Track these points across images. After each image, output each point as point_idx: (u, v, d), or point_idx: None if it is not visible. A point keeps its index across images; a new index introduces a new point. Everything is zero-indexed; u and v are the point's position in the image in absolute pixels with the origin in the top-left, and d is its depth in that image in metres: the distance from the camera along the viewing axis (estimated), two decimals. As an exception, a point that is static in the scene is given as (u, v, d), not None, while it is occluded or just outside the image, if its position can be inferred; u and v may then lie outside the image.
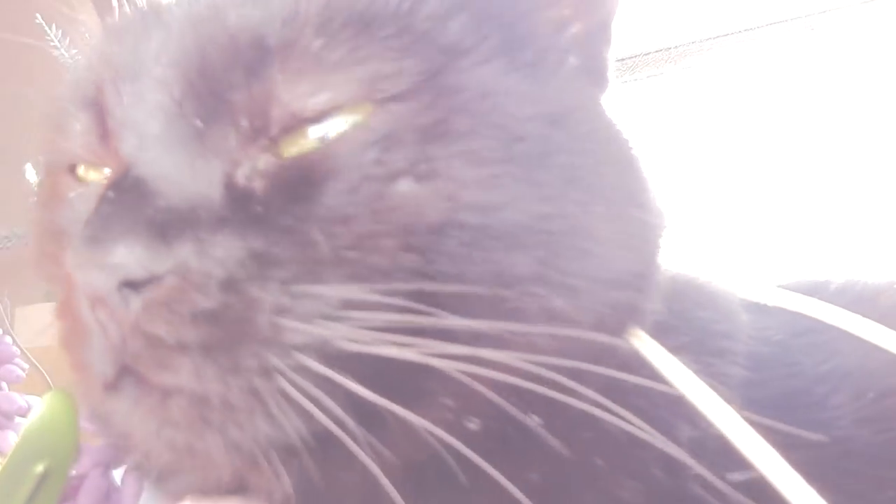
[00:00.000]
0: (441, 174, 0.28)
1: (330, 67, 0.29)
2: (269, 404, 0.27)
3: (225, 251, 0.27)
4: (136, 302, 0.26)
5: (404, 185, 0.28)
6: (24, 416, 0.45)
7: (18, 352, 0.50)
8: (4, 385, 0.46)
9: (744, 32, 1.49)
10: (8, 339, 0.50)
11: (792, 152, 1.42)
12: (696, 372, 0.31)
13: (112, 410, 0.30)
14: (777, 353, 0.37)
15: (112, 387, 0.28)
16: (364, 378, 0.27)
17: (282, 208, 0.28)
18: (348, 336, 0.27)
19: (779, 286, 0.41)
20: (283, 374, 0.27)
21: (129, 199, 0.28)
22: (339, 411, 0.27)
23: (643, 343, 0.33)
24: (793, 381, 0.36)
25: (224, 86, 0.29)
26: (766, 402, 0.33)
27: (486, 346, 0.27)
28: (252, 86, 0.29)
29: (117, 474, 0.37)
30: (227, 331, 0.26)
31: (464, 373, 0.27)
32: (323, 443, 0.28)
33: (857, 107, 1.39)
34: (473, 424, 0.29)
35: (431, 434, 0.27)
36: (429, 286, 0.28)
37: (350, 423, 0.27)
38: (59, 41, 0.93)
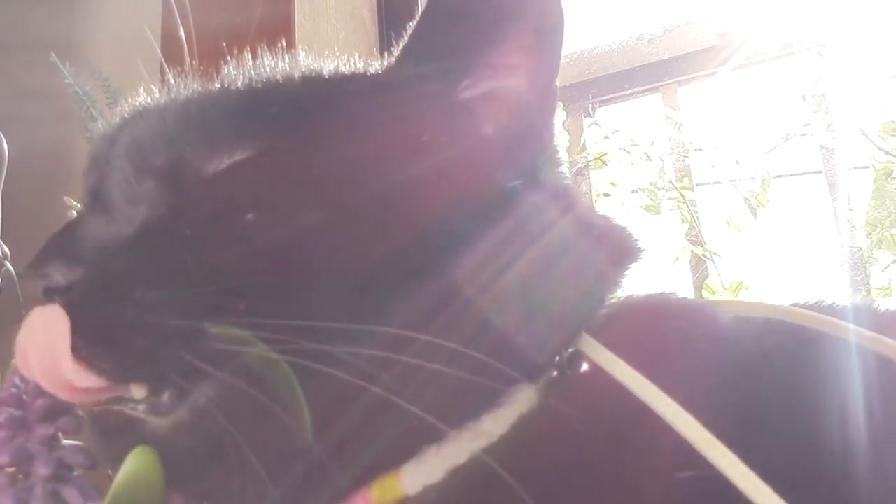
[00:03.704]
0: (280, 210, 0.37)
1: (224, 141, 0.39)
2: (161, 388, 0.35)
3: (116, 271, 0.36)
4: (59, 302, 0.36)
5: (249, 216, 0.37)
6: (86, 469, 0.44)
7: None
8: (60, 437, 0.45)
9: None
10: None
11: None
12: (668, 381, 0.34)
13: None
14: (766, 359, 0.38)
15: None
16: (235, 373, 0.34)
17: (171, 234, 0.38)
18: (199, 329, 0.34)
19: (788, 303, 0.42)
20: (165, 362, 0.34)
21: (68, 234, 0.39)
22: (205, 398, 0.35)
23: (589, 346, 0.38)
24: (781, 386, 0.36)
25: (153, 155, 0.40)
26: (754, 404, 0.35)
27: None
28: (169, 153, 0.40)
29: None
30: (114, 326, 0.34)
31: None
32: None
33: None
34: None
35: None
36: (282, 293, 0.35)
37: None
38: (72, 78, 0.92)
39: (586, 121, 1.62)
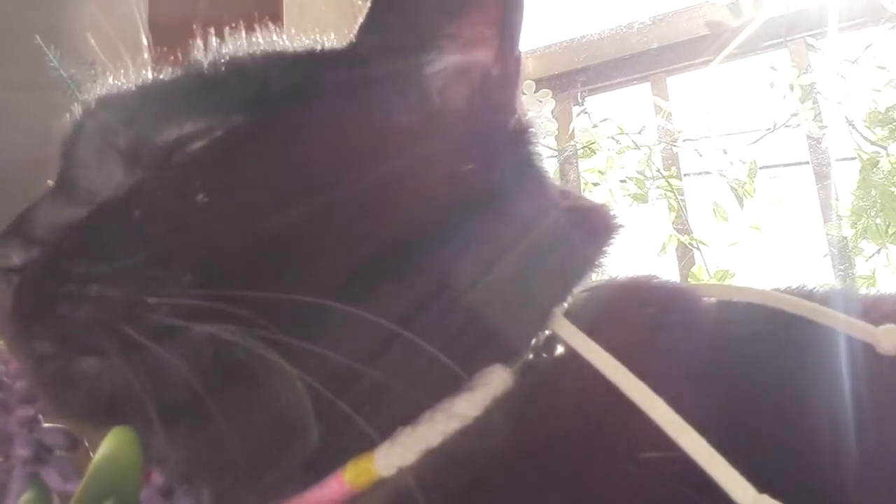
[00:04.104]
0: (227, 186, 0.37)
1: (177, 118, 0.39)
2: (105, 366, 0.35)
3: (66, 249, 0.36)
4: (15, 280, 0.36)
5: (200, 197, 0.37)
6: (66, 450, 0.44)
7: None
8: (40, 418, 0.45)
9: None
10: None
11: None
12: (645, 364, 0.34)
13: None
14: (748, 343, 0.38)
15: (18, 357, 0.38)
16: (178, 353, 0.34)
17: (122, 212, 0.38)
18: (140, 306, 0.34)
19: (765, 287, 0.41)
20: (104, 333, 0.34)
21: (28, 216, 0.39)
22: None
23: (565, 329, 0.38)
24: (764, 369, 0.36)
25: (114, 136, 0.40)
26: (735, 387, 0.34)
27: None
28: (128, 131, 0.40)
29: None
30: (56, 298, 0.35)
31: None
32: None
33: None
34: None
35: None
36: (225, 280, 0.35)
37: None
38: (57, 61, 0.92)
39: (575, 109, 1.62)
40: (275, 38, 0.45)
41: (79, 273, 0.35)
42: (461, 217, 0.39)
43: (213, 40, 0.44)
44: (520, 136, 0.44)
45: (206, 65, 0.42)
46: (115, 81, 0.45)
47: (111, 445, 0.34)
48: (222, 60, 0.42)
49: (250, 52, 0.43)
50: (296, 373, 0.34)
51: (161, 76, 0.44)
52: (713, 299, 0.42)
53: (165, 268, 0.35)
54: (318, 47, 0.44)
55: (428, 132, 0.41)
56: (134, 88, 0.44)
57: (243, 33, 0.45)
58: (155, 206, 0.37)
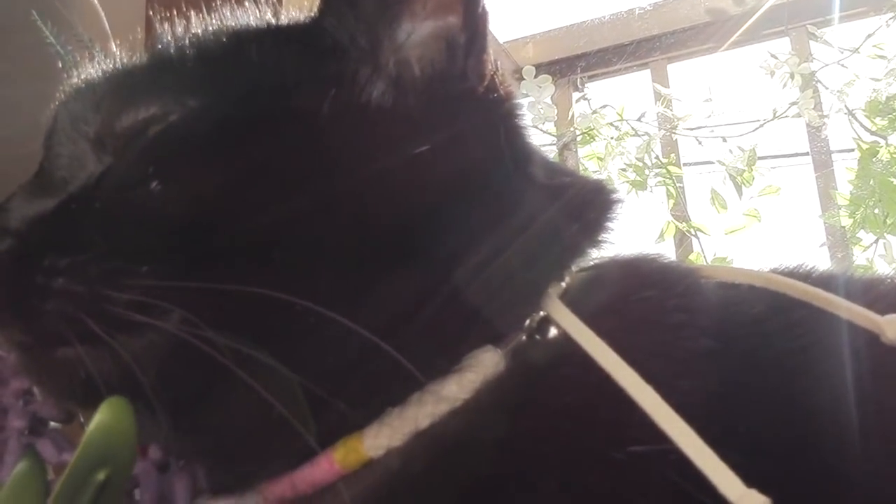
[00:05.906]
0: (177, 171, 0.37)
1: (136, 101, 0.39)
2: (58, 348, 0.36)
3: (36, 241, 0.36)
4: None
5: (153, 185, 0.37)
6: (60, 422, 0.44)
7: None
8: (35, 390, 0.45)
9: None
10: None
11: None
12: (642, 349, 0.34)
13: None
14: (750, 326, 0.37)
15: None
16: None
17: (88, 206, 0.37)
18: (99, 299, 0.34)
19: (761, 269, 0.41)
20: (68, 325, 0.34)
21: (4, 207, 0.39)
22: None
23: (558, 312, 0.37)
24: (765, 352, 0.35)
25: (84, 125, 0.40)
26: (736, 371, 0.34)
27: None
28: (95, 119, 0.40)
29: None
30: (26, 291, 0.35)
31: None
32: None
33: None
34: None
35: None
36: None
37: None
38: (54, 38, 0.91)
39: (574, 95, 1.61)
40: (254, 13, 0.44)
41: (46, 266, 0.35)
42: (442, 194, 0.38)
43: (193, 19, 0.43)
44: (496, 107, 0.42)
45: (170, 47, 0.42)
46: (87, 70, 0.44)
47: (105, 416, 0.34)
48: (185, 42, 0.42)
49: (215, 31, 0.42)
50: (271, 360, 0.33)
51: (131, 61, 0.43)
52: (714, 281, 0.41)
53: (124, 259, 0.35)
54: (276, 22, 0.43)
55: (405, 106, 0.39)
56: (103, 75, 0.43)
57: (231, 9, 0.44)
58: (113, 196, 0.37)
